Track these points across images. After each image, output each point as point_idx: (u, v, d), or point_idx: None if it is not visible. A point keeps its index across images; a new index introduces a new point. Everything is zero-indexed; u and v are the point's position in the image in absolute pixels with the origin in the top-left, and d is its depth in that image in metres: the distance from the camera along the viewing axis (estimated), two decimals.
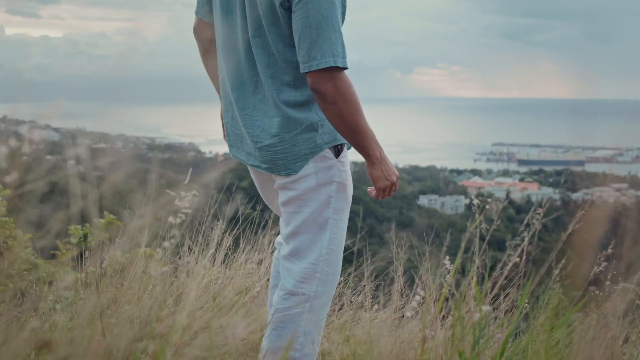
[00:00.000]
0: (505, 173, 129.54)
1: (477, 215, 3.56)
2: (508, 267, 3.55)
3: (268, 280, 4.84)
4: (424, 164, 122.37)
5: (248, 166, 3.82)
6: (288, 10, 3.30)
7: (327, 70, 3.22)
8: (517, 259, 3.48)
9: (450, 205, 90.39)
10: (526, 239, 3.57)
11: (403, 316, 4.64)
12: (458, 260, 3.13)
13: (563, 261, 3.83)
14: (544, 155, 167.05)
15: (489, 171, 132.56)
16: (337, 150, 3.55)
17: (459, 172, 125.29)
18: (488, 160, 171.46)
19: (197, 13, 3.86)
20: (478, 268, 3.21)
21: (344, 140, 3.54)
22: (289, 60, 3.43)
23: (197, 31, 3.92)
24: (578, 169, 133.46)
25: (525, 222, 3.83)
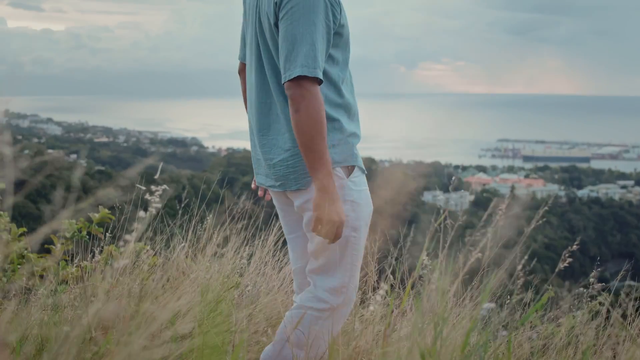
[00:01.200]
0: (510, 169, 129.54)
1: (441, 211, 3.68)
2: (470, 262, 3.54)
3: (258, 274, 4.84)
4: (428, 159, 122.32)
5: (271, 194, 3.94)
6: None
7: (298, 79, 3.36)
8: (479, 255, 3.51)
9: (455, 201, 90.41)
10: (489, 234, 3.60)
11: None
12: (423, 254, 3.11)
13: (526, 257, 3.86)
14: (550, 152, 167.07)
15: (494, 167, 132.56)
16: (349, 171, 3.61)
17: (464, 168, 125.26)
18: (493, 156, 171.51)
19: (240, 58, 4.07)
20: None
21: (356, 163, 3.63)
22: None
23: (240, 74, 4.13)
24: (584, 165, 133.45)
25: (484, 217, 3.84)
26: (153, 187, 3.62)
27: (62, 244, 4.56)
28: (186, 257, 4.76)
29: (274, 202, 3.98)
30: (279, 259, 5.13)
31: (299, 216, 3.79)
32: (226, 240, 5.04)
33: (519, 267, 3.83)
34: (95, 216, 4.77)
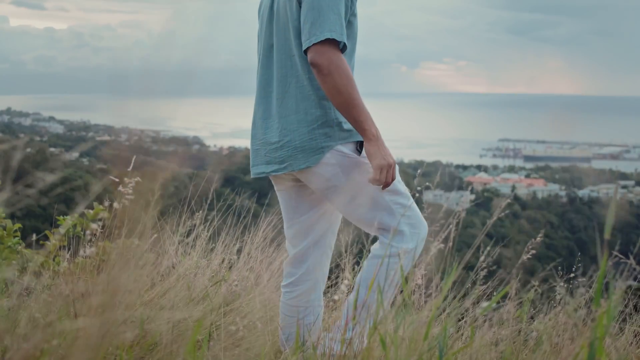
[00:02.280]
0: (511, 169, 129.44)
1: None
2: (431, 254, 3.61)
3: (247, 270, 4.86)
4: (429, 159, 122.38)
5: (273, 181, 4.02)
6: (299, 4, 3.65)
7: (324, 43, 3.50)
8: (442, 245, 3.62)
9: (456, 200, 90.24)
10: (452, 227, 3.70)
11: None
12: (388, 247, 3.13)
13: (488, 248, 3.92)
14: (550, 152, 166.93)
15: (495, 167, 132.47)
16: (358, 150, 3.76)
17: (465, 167, 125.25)
18: (494, 156, 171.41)
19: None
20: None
21: (359, 138, 3.74)
22: (304, 57, 3.65)
23: None
24: (584, 165, 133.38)
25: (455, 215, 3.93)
26: (126, 179, 3.68)
27: (58, 240, 4.61)
28: (176, 252, 4.79)
29: (276, 189, 4.06)
30: (267, 255, 5.15)
31: (308, 197, 3.93)
32: (216, 235, 5.08)
33: (482, 258, 3.91)
34: (90, 212, 4.81)
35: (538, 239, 4.22)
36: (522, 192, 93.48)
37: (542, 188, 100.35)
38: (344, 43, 3.56)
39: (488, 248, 4.00)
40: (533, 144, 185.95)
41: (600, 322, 2.22)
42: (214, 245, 5.04)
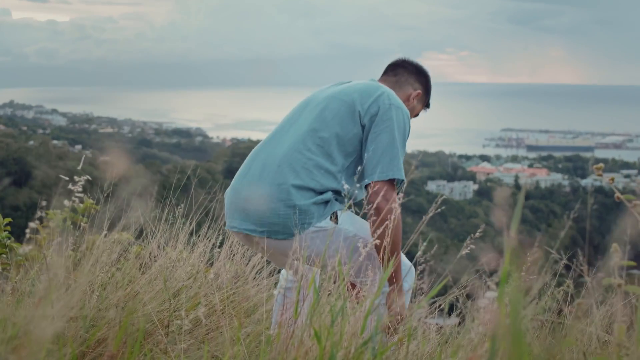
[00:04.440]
0: (514, 159, 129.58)
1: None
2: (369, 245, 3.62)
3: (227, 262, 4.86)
4: (432, 149, 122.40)
5: (242, 239, 4.19)
6: (361, 125, 4.02)
7: (387, 182, 3.93)
8: (377, 241, 3.69)
9: (459, 191, 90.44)
10: (391, 225, 3.74)
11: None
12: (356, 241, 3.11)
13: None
14: (553, 141, 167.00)
15: (498, 157, 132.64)
16: (334, 219, 3.96)
17: (468, 157, 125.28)
18: (497, 145, 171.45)
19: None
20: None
21: (339, 207, 3.98)
22: (325, 152, 3.98)
23: None
24: (587, 154, 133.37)
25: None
26: (76, 177, 3.68)
27: (48, 233, 4.63)
28: (158, 246, 4.79)
29: (249, 246, 4.26)
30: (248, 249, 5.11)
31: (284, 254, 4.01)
32: (198, 228, 5.08)
33: (419, 252, 3.96)
34: (80, 206, 4.80)
35: (478, 234, 4.20)
36: (524, 181, 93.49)
37: (545, 177, 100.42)
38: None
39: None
40: (536, 134, 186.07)
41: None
42: (198, 237, 5.04)
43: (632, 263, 2.84)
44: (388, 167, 3.90)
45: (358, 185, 3.87)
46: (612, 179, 3.05)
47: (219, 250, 4.96)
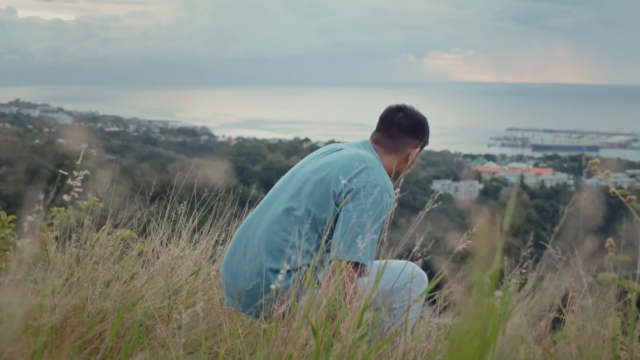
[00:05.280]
0: (520, 158, 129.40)
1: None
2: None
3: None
4: (437, 148, 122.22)
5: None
6: (336, 204, 3.98)
7: (354, 264, 3.83)
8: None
9: (464, 190, 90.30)
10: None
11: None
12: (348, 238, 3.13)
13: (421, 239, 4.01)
14: (559, 141, 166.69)
15: (503, 156, 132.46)
16: None
17: (473, 157, 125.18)
18: (502, 145, 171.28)
19: None
20: None
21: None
22: (303, 233, 3.94)
23: None
24: (592, 154, 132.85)
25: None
26: (75, 173, 3.69)
27: (52, 231, 4.65)
28: (161, 243, 4.81)
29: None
30: None
31: None
32: (201, 225, 5.09)
33: (416, 247, 3.98)
34: (84, 203, 4.83)
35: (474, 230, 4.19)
36: (530, 181, 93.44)
37: (550, 177, 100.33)
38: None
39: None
40: (541, 133, 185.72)
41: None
42: (200, 234, 5.05)
43: (626, 257, 2.86)
44: (352, 250, 3.80)
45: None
46: (608, 174, 3.06)
47: (221, 247, 4.98)
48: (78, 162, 3.82)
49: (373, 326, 2.83)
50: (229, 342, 3.33)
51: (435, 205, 4.12)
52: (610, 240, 2.83)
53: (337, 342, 2.79)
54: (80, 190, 3.56)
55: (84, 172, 3.69)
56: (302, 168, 4.21)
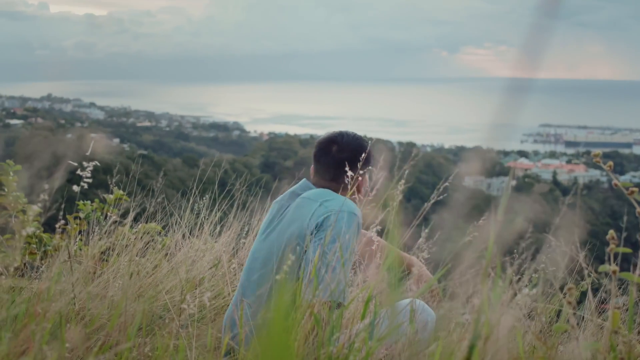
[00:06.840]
0: (552, 154, 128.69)
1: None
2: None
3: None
4: (470, 144, 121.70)
5: None
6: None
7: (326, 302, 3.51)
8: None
9: (497, 186, 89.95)
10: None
11: None
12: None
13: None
14: (592, 137, 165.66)
15: (536, 152, 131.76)
16: None
17: (506, 153, 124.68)
18: (535, 141, 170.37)
19: None
20: None
21: None
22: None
23: None
24: (626, 151, 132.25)
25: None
26: (84, 163, 3.70)
27: (77, 224, 4.69)
28: (183, 236, 4.83)
29: None
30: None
31: None
32: (222, 219, 5.11)
33: (421, 239, 3.96)
34: (110, 197, 4.87)
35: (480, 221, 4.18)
36: (563, 177, 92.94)
37: (583, 174, 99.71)
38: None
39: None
40: (574, 130, 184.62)
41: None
42: (222, 227, 5.07)
43: (629, 250, 2.86)
44: (324, 287, 3.53)
45: None
46: (610, 165, 3.08)
47: (244, 241, 5.00)
48: (88, 153, 3.82)
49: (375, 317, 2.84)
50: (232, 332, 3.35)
51: (440, 197, 4.09)
52: (611, 232, 2.82)
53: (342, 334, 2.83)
54: (90, 180, 3.55)
55: (94, 163, 3.69)
56: (256, 246, 4.03)
